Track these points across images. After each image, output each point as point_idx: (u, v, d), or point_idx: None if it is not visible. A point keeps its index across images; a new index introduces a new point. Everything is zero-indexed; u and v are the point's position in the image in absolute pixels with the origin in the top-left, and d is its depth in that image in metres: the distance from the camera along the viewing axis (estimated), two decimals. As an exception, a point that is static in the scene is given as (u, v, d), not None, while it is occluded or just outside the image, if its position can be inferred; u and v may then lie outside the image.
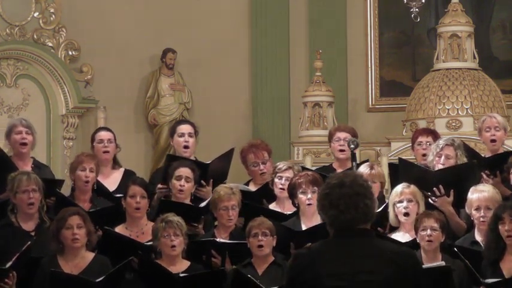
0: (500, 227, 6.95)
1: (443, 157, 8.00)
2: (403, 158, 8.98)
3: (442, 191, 7.69)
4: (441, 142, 8.15)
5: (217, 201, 7.59)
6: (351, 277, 4.78)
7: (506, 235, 6.92)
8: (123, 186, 7.89)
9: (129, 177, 8.29)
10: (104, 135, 8.58)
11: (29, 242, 7.10)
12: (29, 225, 7.55)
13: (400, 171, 7.94)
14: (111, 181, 8.35)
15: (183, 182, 7.90)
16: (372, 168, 8.01)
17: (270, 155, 8.48)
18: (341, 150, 8.38)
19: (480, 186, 7.48)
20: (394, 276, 4.80)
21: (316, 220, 7.28)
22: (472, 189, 7.44)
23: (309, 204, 7.46)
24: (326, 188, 5.08)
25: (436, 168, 7.95)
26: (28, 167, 8.20)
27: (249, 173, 8.50)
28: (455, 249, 7.10)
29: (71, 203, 7.74)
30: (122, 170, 8.59)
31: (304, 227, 7.48)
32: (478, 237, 7.25)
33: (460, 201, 7.65)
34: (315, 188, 7.39)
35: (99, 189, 8.15)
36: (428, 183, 7.70)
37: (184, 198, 7.88)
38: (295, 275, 4.98)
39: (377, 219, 7.07)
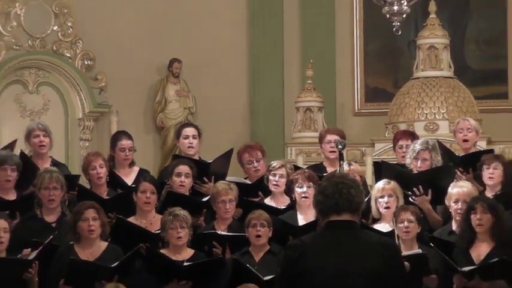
0: (472, 216, 6.96)
1: (419, 161, 8.04)
2: (386, 160, 9.00)
3: (422, 190, 7.72)
4: (417, 147, 8.16)
5: (215, 196, 7.61)
6: (341, 270, 4.76)
7: (477, 223, 6.94)
8: (138, 183, 7.84)
9: (143, 174, 8.35)
10: (125, 144, 8.52)
11: (51, 236, 7.11)
12: (51, 218, 7.55)
13: (383, 172, 7.97)
14: (128, 179, 8.34)
15: (183, 178, 7.92)
16: (350, 165, 8.08)
17: (264, 155, 8.49)
18: (331, 151, 8.38)
19: (460, 183, 7.53)
20: (380, 266, 4.77)
21: (311, 213, 7.32)
22: (452, 184, 7.48)
23: (304, 197, 7.48)
24: (320, 183, 5.14)
25: (415, 170, 8.00)
26: (47, 166, 8.19)
27: (245, 170, 8.50)
28: (430, 240, 7.18)
29: (92, 194, 7.79)
30: (137, 168, 8.60)
31: (300, 219, 7.51)
32: (455, 227, 7.27)
33: (437, 199, 7.70)
34: (310, 183, 7.45)
35: (115, 180, 8.21)
36: (408, 183, 7.72)
37: (184, 192, 7.90)
38: (288, 265, 4.94)
39: (363, 212, 7.19)
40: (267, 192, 8.06)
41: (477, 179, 7.89)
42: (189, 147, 8.58)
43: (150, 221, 7.58)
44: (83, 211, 7.15)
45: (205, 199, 7.84)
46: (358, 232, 4.95)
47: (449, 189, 7.45)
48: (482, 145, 10.30)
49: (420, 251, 6.97)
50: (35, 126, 8.67)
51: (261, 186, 8.11)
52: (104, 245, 7.19)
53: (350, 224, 4.90)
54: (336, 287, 4.75)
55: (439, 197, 7.66)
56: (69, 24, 12.64)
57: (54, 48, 12.60)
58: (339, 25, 13.20)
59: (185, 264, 7.00)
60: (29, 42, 12.46)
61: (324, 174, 7.37)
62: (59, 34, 12.62)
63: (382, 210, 7.49)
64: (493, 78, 13.01)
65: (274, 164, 8.18)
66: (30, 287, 6.83)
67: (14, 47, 12.37)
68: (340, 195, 4.88)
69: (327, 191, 4.93)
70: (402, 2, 10.46)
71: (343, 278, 4.74)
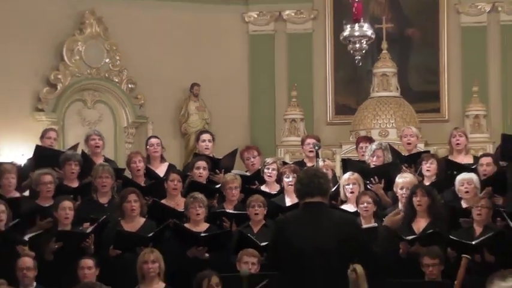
0: (414, 199, 6.98)
1: (375, 157, 8.07)
2: (350, 158, 9.03)
3: (377, 180, 7.73)
4: (373, 147, 8.20)
5: (225, 184, 7.62)
6: (313, 236, 4.79)
7: (418, 204, 6.96)
8: (168, 174, 7.86)
9: (172, 168, 8.35)
10: (153, 141, 8.58)
11: (104, 216, 7.11)
12: (103, 200, 7.56)
13: (348, 167, 7.96)
14: (160, 171, 8.31)
15: (201, 171, 7.92)
16: (324, 161, 8.15)
17: (259, 154, 8.47)
18: (310, 151, 8.38)
19: (404, 174, 7.54)
20: (343, 234, 4.80)
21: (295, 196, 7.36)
22: (398, 175, 7.48)
23: (290, 185, 7.42)
24: (298, 175, 5.22)
25: (371, 165, 8.01)
26: (101, 161, 8.18)
27: (245, 165, 8.48)
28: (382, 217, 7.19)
29: (133, 182, 7.81)
30: (167, 163, 8.56)
31: (287, 201, 7.49)
32: (401, 207, 7.19)
33: (388, 187, 7.71)
34: (295, 174, 7.38)
35: (150, 173, 8.20)
36: (367, 175, 7.73)
37: (202, 181, 7.90)
38: (275, 234, 5.05)
39: (333, 195, 7.20)
40: (262, 181, 8.07)
41: (418, 172, 7.89)
42: (205, 148, 8.59)
43: (177, 202, 7.57)
44: (127, 195, 7.17)
45: (217, 186, 7.86)
46: (327, 210, 4.99)
47: (397, 179, 7.46)
48: (421, 147, 10.30)
49: (376, 224, 6.96)
50: (91, 132, 8.72)
51: (257, 177, 8.11)
52: (142, 220, 7.20)
53: (320, 204, 4.94)
54: (309, 250, 4.76)
55: (389, 185, 7.68)
56: (117, 57, 12.62)
57: (106, 75, 12.59)
58: (315, 58, 13.19)
59: (202, 234, 7.01)
60: (88, 71, 12.46)
61: (304, 168, 7.39)
62: (110, 65, 12.61)
63: (348, 194, 7.50)
64: (428, 98, 13.00)
65: (268, 160, 8.22)
66: (87, 252, 6.83)
67: (77, 74, 12.35)
68: (313, 183, 4.92)
69: (303, 180, 4.99)
70: (362, 41, 10.46)
71: (314, 243, 4.77)
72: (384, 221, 5.17)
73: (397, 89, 12.48)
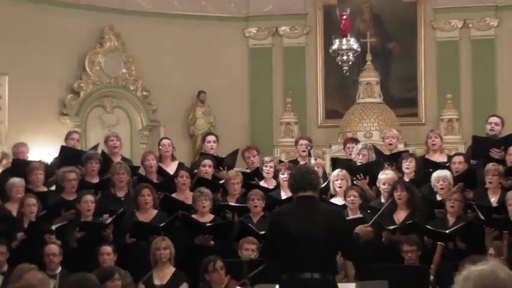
0: (394, 193, 6.98)
1: (361, 155, 8.04)
2: (339, 157, 9.00)
3: (362, 176, 7.70)
4: (359, 146, 8.18)
5: (227, 180, 7.60)
6: (305, 226, 4.78)
7: (398, 198, 6.96)
8: (178, 171, 7.86)
9: (181, 166, 8.32)
10: (165, 142, 8.52)
11: (122, 209, 7.09)
12: (120, 194, 7.55)
13: (337, 165, 7.94)
14: (170, 168, 8.29)
15: (207, 168, 7.89)
16: (315, 159, 8.13)
17: (258, 153, 8.44)
18: (303, 151, 8.31)
19: (386, 171, 7.52)
20: (331, 224, 4.78)
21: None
22: (381, 172, 7.46)
23: (285, 181, 7.36)
24: (291, 171, 5.21)
25: (358, 163, 7.99)
26: (118, 160, 8.18)
27: (246, 163, 8.45)
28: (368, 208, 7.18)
29: (147, 179, 7.80)
30: (177, 162, 8.52)
31: (282, 195, 7.46)
32: (383, 200, 7.24)
33: (372, 182, 7.67)
34: (289, 171, 7.39)
35: (161, 170, 8.17)
36: (353, 172, 7.71)
37: (207, 177, 7.88)
38: (272, 224, 5.03)
39: (323, 190, 7.18)
40: (261, 178, 8.05)
41: (398, 170, 7.86)
42: (210, 148, 8.55)
43: (186, 196, 7.55)
44: (141, 190, 7.18)
45: (221, 182, 7.83)
46: (317, 203, 4.98)
47: (380, 176, 7.44)
48: (401, 147, 10.26)
49: (361, 215, 6.96)
50: (110, 134, 8.70)
51: (257, 174, 8.09)
52: (155, 212, 7.21)
53: (312, 198, 4.92)
54: (301, 238, 4.74)
55: (373, 180, 7.65)
56: (133, 68, 12.57)
57: (123, 84, 12.54)
58: (308, 69, 13.14)
59: (208, 224, 7.01)
60: (107, 80, 12.41)
61: (298, 166, 7.36)
62: (126, 75, 12.56)
63: (336, 189, 7.48)
64: (407, 104, 12.96)
65: (266, 159, 8.21)
66: (107, 240, 6.82)
67: (97, 83, 12.31)
68: (304, 179, 4.90)
69: (296, 177, 4.97)
70: (349, 54, 10.43)
71: (305, 232, 4.75)
72: (356, 229, 5.12)
73: (380, 96, 12.44)
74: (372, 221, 5.83)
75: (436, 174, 7.37)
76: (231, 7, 13.22)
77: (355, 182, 7.61)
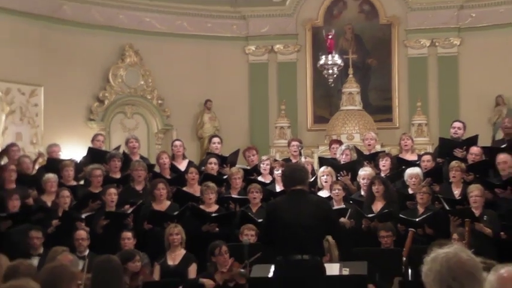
0: (373, 187, 6.99)
1: (344, 155, 8.03)
2: (325, 156, 9.00)
3: (345, 173, 7.70)
4: (343, 147, 8.17)
5: (230, 175, 7.60)
6: (296, 215, 4.78)
7: (376, 191, 6.96)
8: (188, 168, 7.85)
9: (191, 164, 8.31)
10: (177, 143, 8.50)
11: (141, 201, 7.08)
12: (139, 187, 7.55)
13: (324, 163, 7.93)
14: (182, 166, 8.27)
15: (212, 165, 7.89)
16: (305, 158, 8.09)
17: (257, 152, 8.42)
18: (295, 151, 8.27)
19: (365, 168, 7.52)
20: (319, 213, 4.79)
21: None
22: (361, 169, 7.47)
23: (279, 176, 7.38)
24: (283, 169, 5.23)
25: (341, 162, 7.99)
26: (137, 159, 8.17)
27: (246, 161, 8.43)
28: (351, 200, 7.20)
29: (161, 175, 7.78)
30: (187, 160, 8.49)
31: (277, 188, 7.43)
32: (363, 193, 7.27)
33: (353, 178, 7.67)
34: (282, 168, 7.36)
35: (174, 168, 8.15)
36: (338, 169, 7.70)
37: (213, 174, 7.87)
38: (268, 213, 5.03)
39: (312, 184, 7.20)
40: (259, 173, 8.03)
41: (376, 167, 7.88)
42: (215, 148, 8.55)
43: (195, 189, 7.56)
44: (157, 184, 7.18)
45: (225, 177, 7.83)
46: (306, 195, 4.97)
47: (359, 172, 7.45)
48: (378, 147, 10.26)
49: (344, 206, 6.98)
50: (130, 136, 8.71)
51: (255, 170, 8.08)
52: (168, 203, 7.21)
53: (302, 191, 4.92)
54: (294, 225, 4.75)
55: (354, 176, 7.65)
56: (150, 80, 12.55)
57: (141, 93, 12.51)
58: (299, 81, 13.11)
59: (213, 214, 7.01)
60: (128, 90, 12.38)
61: (289, 163, 7.36)
62: (144, 86, 12.53)
63: (323, 183, 7.47)
64: (383, 110, 12.92)
65: (263, 157, 8.24)
66: (128, 227, 6.84)
67: (119, 93, 12.29)
68: (296, 174, 4.92)
69: (287, 172, 4.99)
70: (334, 68, 10.50)
71: (297, 220, 4.75)
72: (340, 220, 5.14)
73: (360, 104, 12.42)
74: (348, 215, 5.82)
75: (409, 171, 7.38)
76: (233, 28, 13.26)
77: (339, 177, 7.62)
